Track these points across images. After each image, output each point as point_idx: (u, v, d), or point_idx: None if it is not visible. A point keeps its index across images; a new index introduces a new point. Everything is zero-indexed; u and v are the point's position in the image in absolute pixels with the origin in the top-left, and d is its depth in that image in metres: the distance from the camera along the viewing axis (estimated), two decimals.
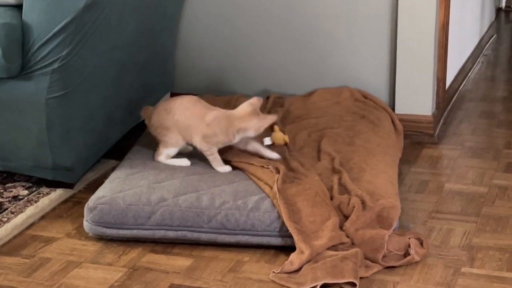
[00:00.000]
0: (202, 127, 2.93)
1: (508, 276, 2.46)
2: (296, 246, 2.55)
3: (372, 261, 2.53)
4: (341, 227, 2.63)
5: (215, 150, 2.94)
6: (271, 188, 2.73)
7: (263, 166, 2.89)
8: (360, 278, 2.43)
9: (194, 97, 3.07)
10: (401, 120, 3.55)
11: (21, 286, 2.45)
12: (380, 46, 3.67)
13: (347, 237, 2.60)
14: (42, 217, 2.92)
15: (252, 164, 2.92)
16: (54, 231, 2.81)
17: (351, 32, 3.71)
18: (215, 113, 2.95)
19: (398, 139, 3.43)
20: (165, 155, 3.01)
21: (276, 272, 2.49)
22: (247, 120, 2.89)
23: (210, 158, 2.95)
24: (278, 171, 2.83)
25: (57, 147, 2.99)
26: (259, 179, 2.82)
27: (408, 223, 2.83)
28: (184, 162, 3.00)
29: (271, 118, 2.93)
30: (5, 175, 3.24)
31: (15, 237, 2.77)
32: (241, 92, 3.88)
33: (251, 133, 2.91)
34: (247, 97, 3.74)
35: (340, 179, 2.87)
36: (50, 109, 2.91)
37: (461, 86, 4.50)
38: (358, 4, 3.67)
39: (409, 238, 2.59)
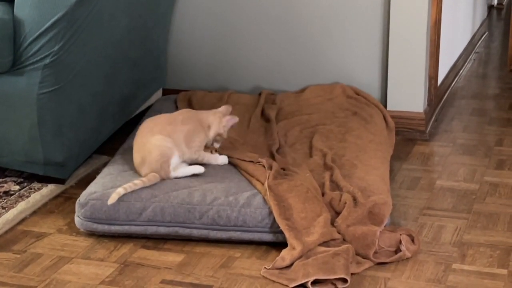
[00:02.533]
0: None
1: (499, 273, 2.47)
2: (288, 242, 2.55)
3: (364, 257, 2.54)
4: (332, 224, 2.64)
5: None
6: (263, 184, 2.73)
7: (252, 161, 2.89)
8: (352, 274, 2.43)
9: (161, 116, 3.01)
10: (393, 116, 3.55)
11: (12, 282, 2.45)
12: (372, 43, 3.68)
13: (339, 233, 2.60)
14: (34, 213, 2.92)
15: (244, 160, 2.92)
16: (45, 227, 2.81)
17: (344, 29, 3.71)
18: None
19: (389, 136, 3.43)
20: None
21: (268, 268, 2.49)
22: None
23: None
24: (270, 167, 2.83)
25: (49, 142, 2.98)
26: (250, 175, 2.82)
27: (400, 220, 2.83)
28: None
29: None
30: None
31: (6, 232, 2.77)
32: (233, 88, 3.88)
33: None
34: (239, 93, 3.76)
35: (331, 175, 2.87)
36: (42, 104, 2.91)
37: (453, 83, 4.51)
38: (351, 1, 3.67)
39: (401, 235, 2.59)
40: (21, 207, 2.91)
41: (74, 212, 2.76)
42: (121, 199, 2.69)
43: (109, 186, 2.75)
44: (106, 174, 2.88)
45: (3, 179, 3.16)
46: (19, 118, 2.95)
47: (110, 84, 3.29)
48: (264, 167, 2.83)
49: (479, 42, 5.57)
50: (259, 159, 2.89)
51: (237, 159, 2.95)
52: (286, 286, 2.40)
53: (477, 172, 3.26)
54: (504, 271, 2.48)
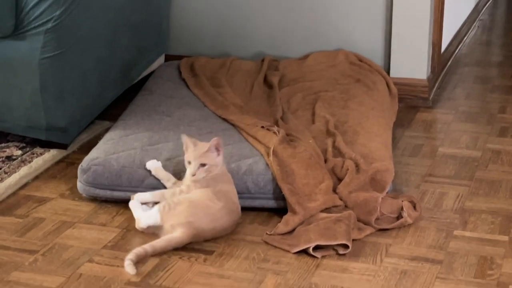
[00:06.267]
0: None
1: (500, 239, 2.48)
2: (289, 207, 2.55)
3: (365, 224, 2.54)
4: (334, 190, 2.64)
5: None
6: (268, 148, 2.73)
7: (263, 127, 2.89)
8: (353, 240, 2.43)
9: None
10: (396, 83, 3.54)
11: (15, 246, 2.46)
12: (376, 9, 3.65)
13: (341, 199, 2.60)
14: (36, 177, 2.92)
15: (256, 126, 2.91)
16: (47, 192, 2.81)
17: None
18: None
19: (392, 103, 3.42)
20: None
21: (269, 233, 2.50)
22: None
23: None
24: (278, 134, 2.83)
25: (51, 107, 2.98)
26: (259, 142, 2.81)
27: (402, 186, 2.83)
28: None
29: None
30: None
31: (8, 197, 2.77)
32: (235, 54, 3.86)
33: None
34: (242, 59, 3.74)
35: (334, 142, 2.87)
36: (44, 69, 2.90)
37: (456, 51, 4.48)
38: None
39: (402, 201, 2.59)
40: (24, 172, 2.92)
41: (76, 177, 2.76)
42: (124, 165, 2.69)
43: (111, 152, 2.75)
44: (108, 139, 2.88)
45: (6, 144, 3.16)
46: (21, 83, 2.94)
47: (112, 50, 3.28)
48: (276, 133, 2.82)
49: (483, 9, 5.53)
50: (270, 127, 2.89)
51: (246, 124, 2.94)
52: (288, 251, 2.41)
53: (479, 140, 3.25)
54: (505, 238, 2.49)
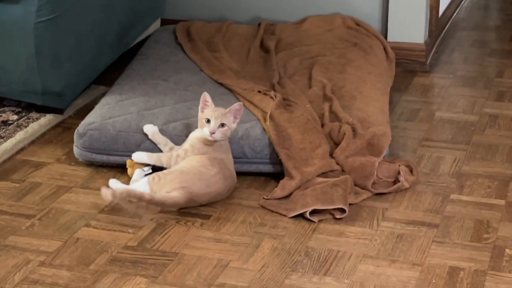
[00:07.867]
0: None
1: (496, 203, 2.48)
2: (286, 172, 2.55)
3: (362, 188, 2.54)
4: (331, 155, 2.64)
5: None
6: (265, 113, 2.72)
7: (260, 92, 2.88)
8: (350, 204, 2.44)
9: None
10: (393, 48, 3.52)
11: (12, 210, 2.46)
12: None
13: (337, 164, 2.60)
14: (32, 142, 2.92)
15: (252, 90, 2.90)
16: (44, 156, 2.81)
17: None
18: None
19: (389, 67, 3.41)
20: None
21: (266, 198, 2.50)
22: None
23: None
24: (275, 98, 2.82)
25: (46, 72, 2.96)
26: (256, 106, 2.80)
27: (398, 151, 2.83)
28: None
29: None
30: None
31: (5, 161, 2.77)
32: (232, 19, 3.84)
33: None
34: (238, 24, 3.72)
35: (331, 106, 2.86)
36: (39, 33, 2.88)
37: (454, 15, 4.46)
38: None
39: (399, 166, 2.59)
40: (20, 137, 2.91)
41: (72, 142, 2.76)
42: (120, 130, 2.68)
43: (107, 117, 2.75)
44: (104, 104, 2.87)
45: (1, 109, 3.15)
46: (16, 47, 2.93)
47: (108, 13, 3.25)
48: (272, 98, 2.81)
49: None
50: (266, 91, 2.87)
51: (243, 89, 2.93)
52: (285, 216, 2.41)
53: (476, 104, 3.25)
54: (502, 202, 2.49)
